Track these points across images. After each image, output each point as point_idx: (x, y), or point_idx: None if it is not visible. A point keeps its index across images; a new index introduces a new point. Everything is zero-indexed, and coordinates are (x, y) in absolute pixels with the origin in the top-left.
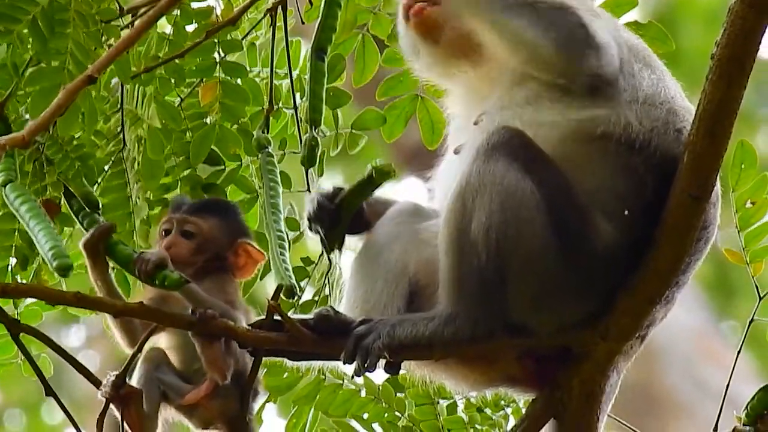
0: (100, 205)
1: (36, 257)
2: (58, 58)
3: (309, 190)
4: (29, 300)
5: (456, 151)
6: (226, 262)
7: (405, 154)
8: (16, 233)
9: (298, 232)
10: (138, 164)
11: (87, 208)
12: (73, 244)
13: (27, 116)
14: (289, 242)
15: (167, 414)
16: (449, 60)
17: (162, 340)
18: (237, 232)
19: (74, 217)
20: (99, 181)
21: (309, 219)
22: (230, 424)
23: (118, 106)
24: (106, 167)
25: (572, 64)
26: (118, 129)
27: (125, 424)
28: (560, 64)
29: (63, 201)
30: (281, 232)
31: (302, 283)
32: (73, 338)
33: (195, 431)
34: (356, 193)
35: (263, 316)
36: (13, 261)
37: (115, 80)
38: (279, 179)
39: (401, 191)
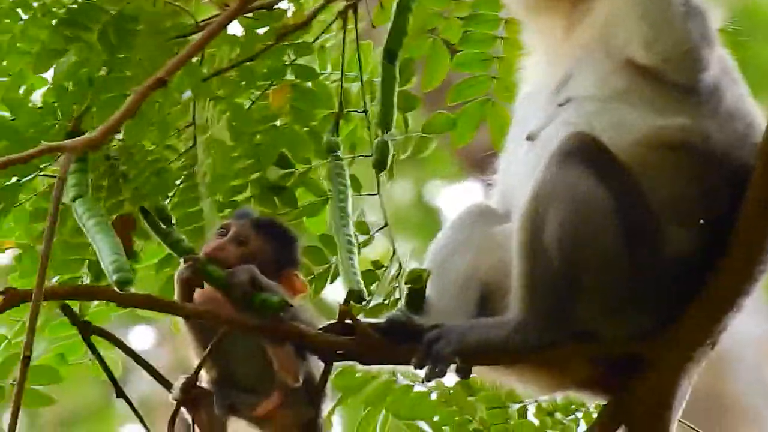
0: (174, 220)
1: None
2: (127, 69)
3: (379, 193)
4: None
5: (529, 138)
6: None
7: (471, 158)
8: (90, 248)
9: (367, 236)
10: (208, 176)
11: (164, 227)
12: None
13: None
14: (358, 246)
15: (237, 427)
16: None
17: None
18: (287, 260)
19: (158, 237)
20: (171, 195)
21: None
22: (303, 429)
23: (190, 120)
24: (178, 182)
25: (688, 64)
26: (190, 143)
27: (195, 427)
28: (678, 59)
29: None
30: (350, 236)
31: (372, 287)
32: (140, 340)
33: None
34: (413, 303)
35: (333, 320)
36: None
37: (186, 94)
38: (348, 183)
39: (467, 195)
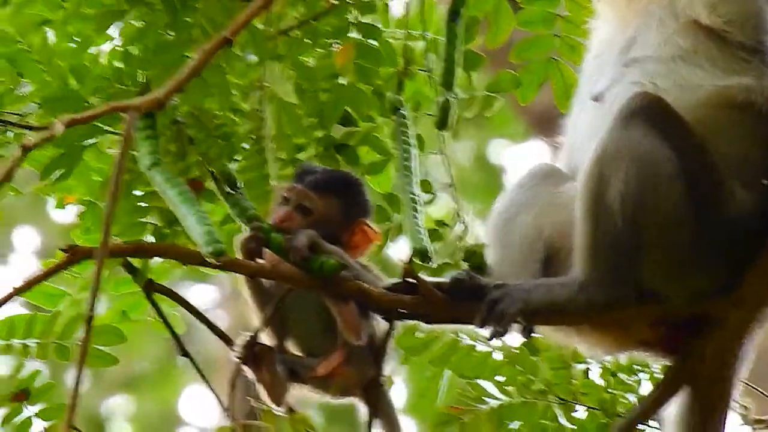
0: (241, 185)
1: (176, 235)
2: (188, 31)
3: (443, 152)
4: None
5: (595, 98)
6: (340, 240)
7: (534, 117)
8: (154, 211)
9: (431, 195)
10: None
11: (232, 190)
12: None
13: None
14: (423, 204)
15: (297, 393)
16: None
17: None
18: (356, 212)
19: (225, 202)
20: (238, 159)
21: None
22: (365, 388)
23: (256, 83)
24: (246, 145)
25: (752, 25)
26: (257, 106)
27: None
28: (741, 20)
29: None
30: (415, 194)
31: (436, 246)
32: (201, 300)
33: (332, 400)
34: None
35: (397, 279)
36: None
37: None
38: (413, 141)
39: (530, 154)
